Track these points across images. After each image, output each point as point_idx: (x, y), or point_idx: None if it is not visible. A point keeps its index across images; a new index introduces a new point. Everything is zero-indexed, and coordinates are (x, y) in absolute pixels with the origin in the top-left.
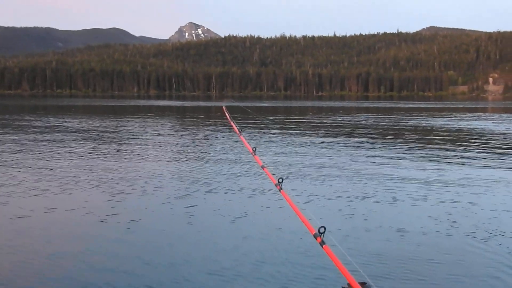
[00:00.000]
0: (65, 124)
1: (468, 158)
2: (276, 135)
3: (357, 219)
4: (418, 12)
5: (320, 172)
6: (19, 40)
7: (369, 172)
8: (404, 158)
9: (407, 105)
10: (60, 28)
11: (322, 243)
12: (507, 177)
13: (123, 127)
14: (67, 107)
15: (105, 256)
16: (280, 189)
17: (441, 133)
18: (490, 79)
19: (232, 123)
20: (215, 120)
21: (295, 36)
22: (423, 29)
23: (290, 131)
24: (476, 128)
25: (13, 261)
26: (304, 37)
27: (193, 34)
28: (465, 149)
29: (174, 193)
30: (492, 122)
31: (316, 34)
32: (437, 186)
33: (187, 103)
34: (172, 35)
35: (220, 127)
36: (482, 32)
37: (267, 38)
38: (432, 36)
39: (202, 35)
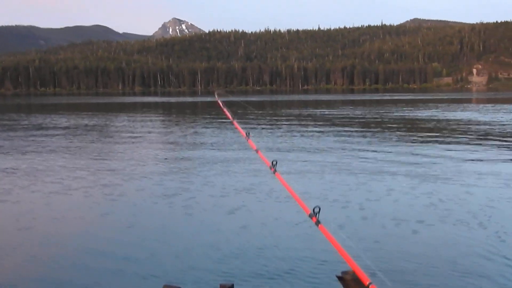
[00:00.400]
0: (61, 122)
1: (459, 148)
2: (269, 128)
3: (352, 208)
4: (402, 4)
5: (313, 163)
6: (1, 38)
7: (362, 161)
8: (395, 149)
9: (393, 97)
10: (42, 26)
11: (318, 222)
12: (498, 166)
13: (115, 124)
14: (58, 105)
15: (109, 248)
16: (275, 171)
17: (430, 124)
18: (474, 70)
19: (225, 110)
20: (206, 115)
21: (279, 30)
22: (407, 21)
23: (282, 124)
24: (463, 118)
25: (22, 253)
26: (288, 31)
27: (177, 30)
28: (455, 139)
29: (172, 186)
30: (478, 113)
31: (300, 28)
32: (430, 175)
33: (180, 99)
34: (156, 31)
35: (212, 121)
36: (465, 23)
37: (251, 32)
38: (416, 28)
39: (186, 30)
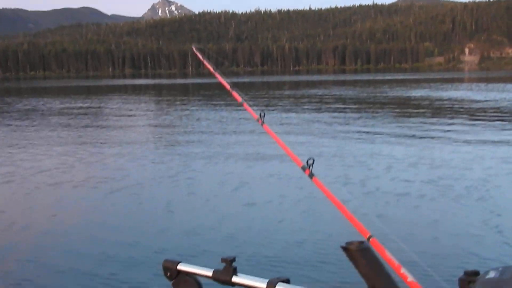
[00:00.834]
0: (55, 105)
1: (455, 126)
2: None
3: (354, 184)
4: None
5: (310, 145)
6: None
7: (359, 141)
8: (392, 128)
9: (385, 77)
10: (29, 9)
11: (311, 175)
12: (495, 143)
13: (109, 107)
14: (48, 88)
15: (118, 225)
16: (262, 123)
17: (425, 103)
18: (466, 50)
19: (205, 61)
20: (200, 96)
21: (270, 11)
22: (399, 0)
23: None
24: (457, 98)
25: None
26: (279, 11)
27: (166, 11)
28: (451, 118)
29: (172, 165)
30: (471, 92)
31: (291, 8)
32: (427, 153)
33: (171, 81)
34: (145, 13)
35: (207, 103)
36: (457, 2)
37: (242, 13)
38: (407, 7)
39: (175, 11)
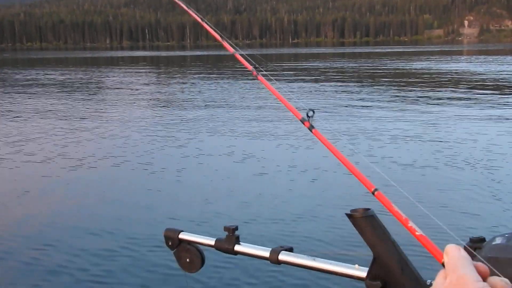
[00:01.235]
0: (55, 76)
1: (457, 97)
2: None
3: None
4: None
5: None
6: None
7: (363, 113)
8: (394, 100)
9: (385, 50)
10: None
11: (311, 127)
12: (498, 113)
13: (110, 78)
14: (45, 59)
15: (126, 195)
16: (257, 74)
17: (427, 76)
18: (466, 22)
19: (190, 11)
20: (199, 68)
21: None
22: None
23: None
24: (457, 70)
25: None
26: None
27: None
28: (453, 90)
29: (181, 136)
30: (471, 64)
31: None
32: (431, 124)
33: (171, 53)
34: None
35: (208, 75)
36: None
37: None
38: None
39: None
